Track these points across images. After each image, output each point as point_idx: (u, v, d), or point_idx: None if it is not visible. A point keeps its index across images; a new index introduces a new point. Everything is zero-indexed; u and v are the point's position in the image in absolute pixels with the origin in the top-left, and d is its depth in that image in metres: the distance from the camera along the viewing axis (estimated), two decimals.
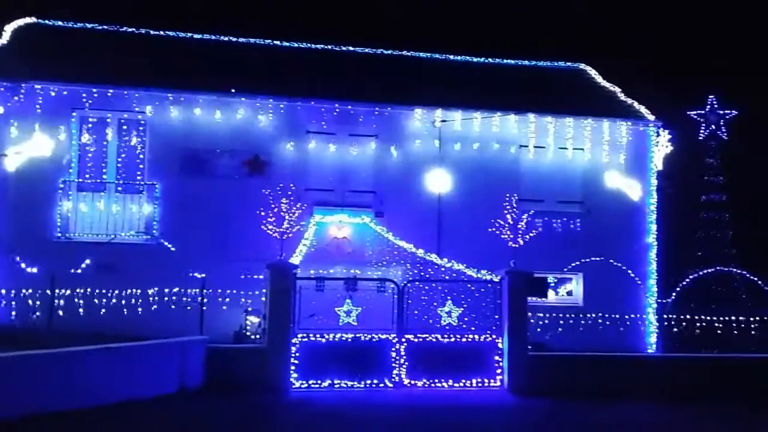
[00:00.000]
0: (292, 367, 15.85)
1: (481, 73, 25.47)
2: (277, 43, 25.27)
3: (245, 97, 20.81)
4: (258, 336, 17.69)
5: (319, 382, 15.96)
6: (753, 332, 21.07)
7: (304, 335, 16.02)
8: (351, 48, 25.74)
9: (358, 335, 16.21)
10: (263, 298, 16.98)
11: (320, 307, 16.87)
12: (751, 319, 20.92)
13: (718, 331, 20.65)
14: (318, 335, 16.08)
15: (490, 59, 26.47)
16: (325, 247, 20.09)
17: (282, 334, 15.83)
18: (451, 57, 26.23)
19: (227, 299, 19.03)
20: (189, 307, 18.15)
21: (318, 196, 20.92)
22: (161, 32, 24.52)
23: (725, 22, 52.23)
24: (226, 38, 24.94)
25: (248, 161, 20.71)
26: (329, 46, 25.60)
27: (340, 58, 25.01)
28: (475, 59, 26.34)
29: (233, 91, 20.75)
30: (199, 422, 12.80)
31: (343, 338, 16.13)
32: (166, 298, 18.63)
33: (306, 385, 15.86)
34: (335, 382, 16.03)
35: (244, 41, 25.02)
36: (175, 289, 18.58)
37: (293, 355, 15.87)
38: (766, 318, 21.02)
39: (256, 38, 25.18)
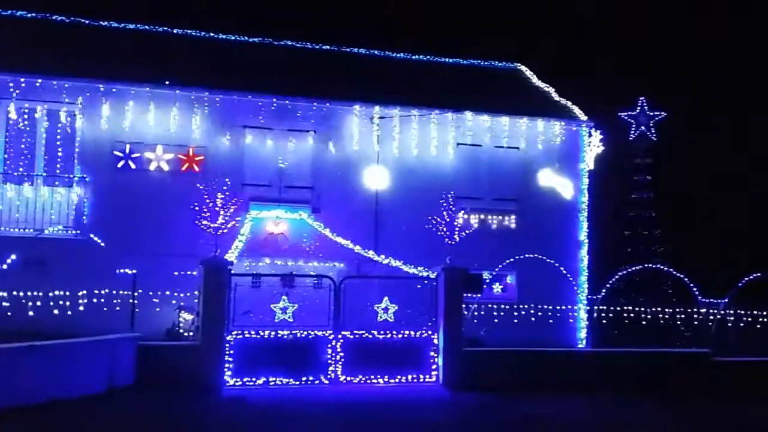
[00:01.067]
0: (227, 365, 15.67)
1: (420, 71, 25.61)
2: (214, 35, 24.88)
3: (180, 89, 20.42)
4: (191, 333, 17.40)
5: (253, 379, 15.82)
6: (681, 326, 21.81)
7: (239, 332, 15.84)
8: (290, 42, 25.56)
9: (294, 332, 16.12)
10: (197, 292, 16.68)
11: (256, 303, 16.72)
12: (677, 314, 21.64)
13: (644, 323, 21.33)
14: (253, 332, 15.92)
15: (428, 57, 26.65)
16: (261, 243, 19.90)
17: (216, 332, 15.62)
18: (390, 54, 26.32)
19: (160, 296, 18.63)
20: (118, 306, 17.72)
21: (254, 191, 20.69)
22: (93, 22, 23.85)
23: (657, 24, 53.75)
24: (161, 29, 24.43)
25: (182, 155, 20.34)
26: (267, 40, 25.36)
27: (279, 53, 24.81)
28: (413, 57, 26.49)
29: (167, 83, 20.33)
30: (127, 421, 12.51)
31: (279, 335, 16.01)
32: (96, 292, 18.13)
33: (240, 383, 15.70)
34: (270, 379, 15.90)
35: (179, 33, 24.55)
36: (105, 289, 18.09)
37: (227, 352, 15.70)
38: (690, 311, 21.78)
39: (191, 30, 24.76)
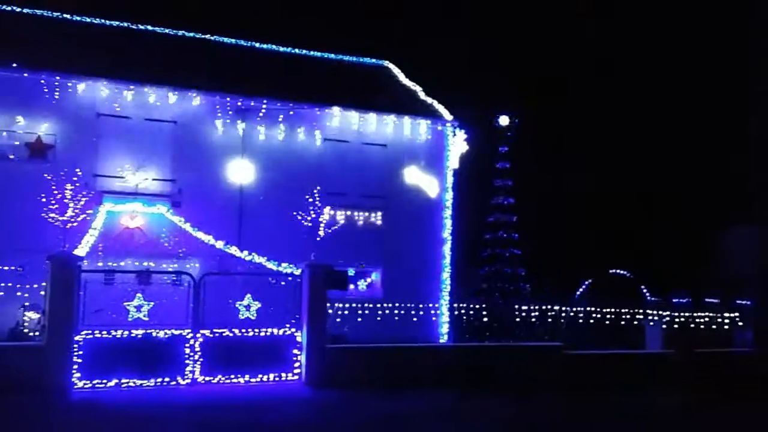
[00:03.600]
0: (75, 366, 14.80)
1: (287, 64, 25.22)
2: (69, 17, 23.39)
3: (28, 72, 19.02)
4: (37, 333, 16.26)
5: (105, 381, 15.02)
6: (536, 322, 22.69)
7: (89, 332, 14.99)
8: (151, 28, 24.43)
9: (149, 331, 15.39)
10: (43, 293, 15.60)
11: (109, 301, 15.92)
12: (533, 310, 22.51)
13: (503, 321, 22.06)
14: (104, 332, 15.10)
15: (296, 50, 26.26)
16: (115, 238, 18.90)
17: (63, 331, 14.71)
18: (257, 45, 25.72)
19: (3, 293, 17.28)
20: None
21: (109, 183, 19.62)
22: None
23: (522, 30, 55.81)
24: (9, 8, 22.71)
25: (29, 143, 18.95)
26: (127, 25, 24.12)
27: (140, 39, 23.65)
28: (280, 49, 26.00)
29: (14, 65, 18.89)
30: None
31: (133, 334, 15.25)
32: None
33: (90, 385, 14.86)
34: (123, 381, 15.14)
35: (29, 12, 22.92)
36: None
37: (76, 353, 14.81)
38: (544, 308, 22.72)
39: (46, 11, 23.16)
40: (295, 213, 18.70)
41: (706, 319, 22.81)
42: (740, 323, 23.27)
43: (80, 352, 14.85)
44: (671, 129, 46.08)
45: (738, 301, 25.08)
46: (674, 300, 25.16)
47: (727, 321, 22.94)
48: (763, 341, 21.61)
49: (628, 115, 47.19)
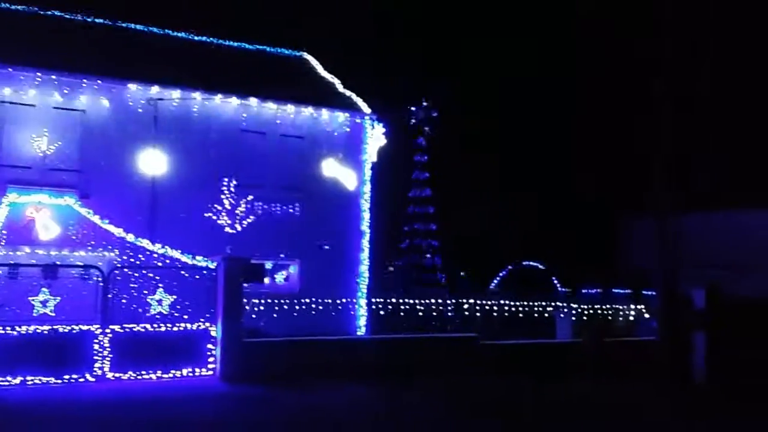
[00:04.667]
0: None
1: (203, 53, 24.69)
2: None
3: None
4: None
5: (8, 379, 14.40)
6: (452, 313, 23.07)
7: None
8: (59, 13, 23.48)
9: (55, 327, 14.84)
10: None
11: (13, 296, 15.28)
12: (448, 302, 22.86)
13: (420, 314, 22.31)
14: (8, 328, 14.47)
15: (213, 39, 25.72)
16: (20, 231, 18.09)
17: None
18: (172, 33, 25.05)
19: None
20: None
21: (13, 173, 18.89)
22: None
23: (446, 25, 56.33)
24: None
25: None
26: (33, 9, 23.10)
27: (47, 23, 22.71)
28: (196, 38, 25.41)
29: None
30: None
31: (38, 330, 14.67)
32: None
33: None
34: (28, 379, 14.56)
35: None
36: None
37: None
38: (459, 301, 23.10)
39: None
40: (210, 205, 18.36)
41: (614, 309, 23.65)
42: (647, 315, 24.21)
43: None
44: (584, 120, 47.33)
45: (645, 292, 26.08)
46: (584, 291, 25.99)
47: (633, 311, 23.83)
48: (667, 329, 22.54)
49: (544, 108, 48.29)
